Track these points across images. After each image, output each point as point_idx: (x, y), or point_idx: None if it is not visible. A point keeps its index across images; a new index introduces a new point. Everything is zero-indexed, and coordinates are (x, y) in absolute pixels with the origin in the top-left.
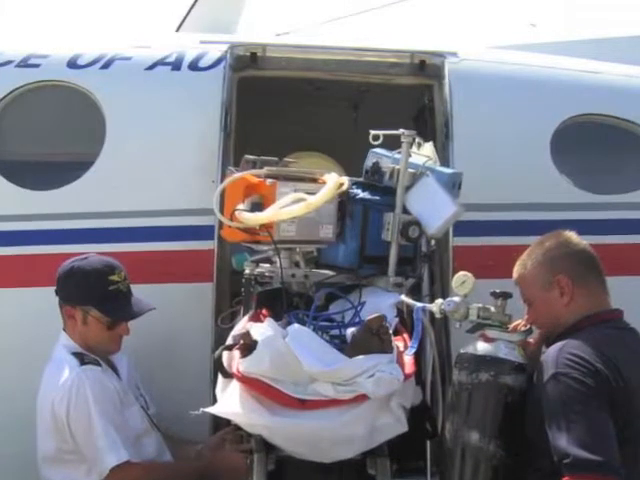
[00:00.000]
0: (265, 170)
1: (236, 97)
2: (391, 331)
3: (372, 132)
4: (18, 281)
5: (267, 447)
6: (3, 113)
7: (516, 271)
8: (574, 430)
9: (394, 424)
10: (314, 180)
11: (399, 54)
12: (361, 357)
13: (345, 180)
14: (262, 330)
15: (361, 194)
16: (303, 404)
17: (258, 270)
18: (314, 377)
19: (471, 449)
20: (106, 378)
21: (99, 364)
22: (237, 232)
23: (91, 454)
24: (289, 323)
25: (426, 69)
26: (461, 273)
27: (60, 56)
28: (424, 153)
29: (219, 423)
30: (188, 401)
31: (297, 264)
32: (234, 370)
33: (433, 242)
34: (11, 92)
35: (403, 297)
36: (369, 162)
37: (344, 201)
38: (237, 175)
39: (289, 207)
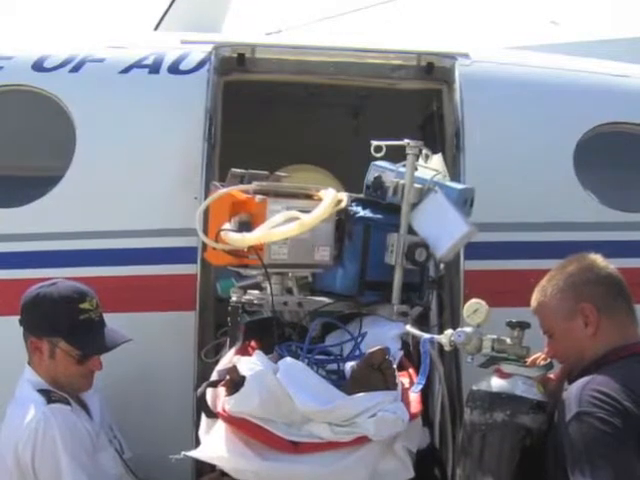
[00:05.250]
0: (254, 185)
1: (221, 104)
2: (395, 366)
3: (374, 143)
4: None
5: None
6: None
7: (535, 299)
8: (599, 476)
9: (398, 469)
10: (309, 197)
11: (404, 55)
12: (361, 395)
13: (344, 196)
14: (250, 365)
15: (362, 212)
16: (296, 447)
17: (246, 297)
18: (309, 417)
19: None
20: (76, 418)
21: (68, 402)
22: (222, 255)
23: None
24: (281, 357)
25: (434, 72)
26: (473, 301)
27: (25, 58)
28: (432, 166)
29: (202, 468)
30: (168, 444)
31: (290, 290)
32: (219, 409)
33: (442, 266)
34: None
35: (409, 327)
36: (371, 176)
37: (342, 220)
38: (223, 191)
39: (281, 227)
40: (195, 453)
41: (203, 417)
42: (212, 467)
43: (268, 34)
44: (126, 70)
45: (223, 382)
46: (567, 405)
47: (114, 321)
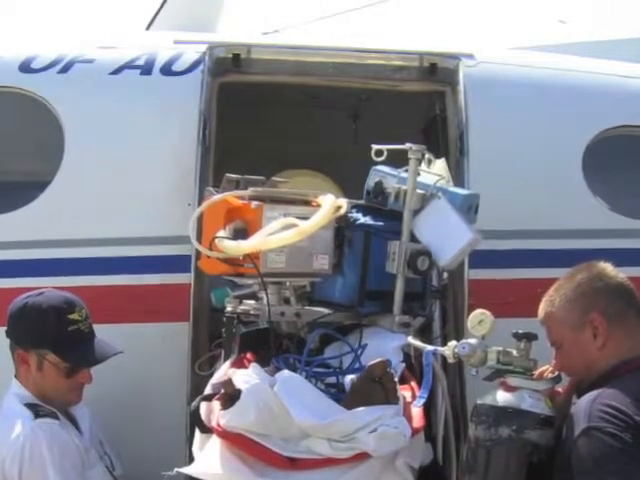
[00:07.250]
0: (250, 191)
1: (216, 106)
2: (397, 379)
3: (375, 147)
4: None
5: None
6: None
7: (542, 309)
8: None
9: None
10: (307, 203)
11: (406, 56)
12: (361, 409)
13: (343, 203)
14: (246, 377)
15: (362, 219)
16: (294, 464)
17: (242, 307)
18: (307, 432)
19: None
20: (65, 434)
21: (57, 417)
22: (217, 263)
23: None
24: (278, 369)
25: (437, 73)
26: (478, 311)
27: (11, 58)
28: (435, 171)
29: None
30: (160, 460)
31: (287, 300)
32: (214, 424)
33: (445, 275)
34: None
35: (410, 339)
36: (371, 181)
37: (342, 227)
38: (217, 197)
39: (278, 234)
40: (188, 469)
41: (197, 432)
42: None
43: (265, 34)
44: (117, 71)
45: (218, 396)
46: (576, 420)
47: (104, 332)
